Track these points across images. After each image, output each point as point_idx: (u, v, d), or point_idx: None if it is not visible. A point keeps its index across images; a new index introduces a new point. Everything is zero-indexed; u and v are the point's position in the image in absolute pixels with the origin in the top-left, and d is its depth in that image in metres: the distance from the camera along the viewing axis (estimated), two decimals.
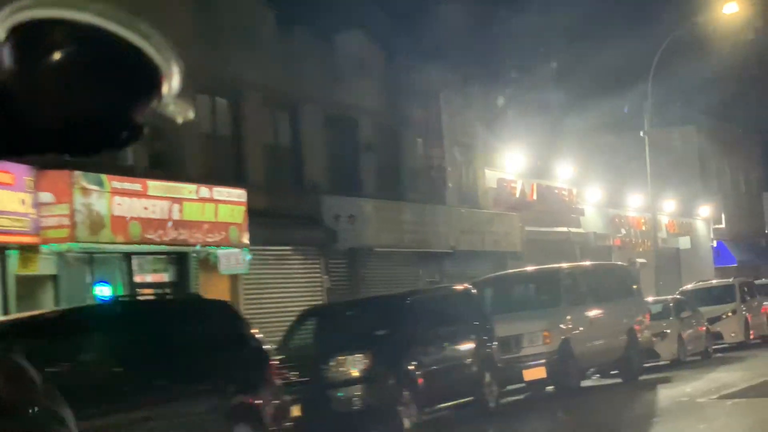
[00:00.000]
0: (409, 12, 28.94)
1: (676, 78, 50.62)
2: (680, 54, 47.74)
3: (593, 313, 17.94)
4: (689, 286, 29.90)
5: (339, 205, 25.00)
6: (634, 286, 20.89)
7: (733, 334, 27.38)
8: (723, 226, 55.04)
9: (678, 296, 26.17)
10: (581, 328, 17.37)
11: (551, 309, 16.92)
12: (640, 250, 44.63)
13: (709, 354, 25.11)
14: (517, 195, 33.86)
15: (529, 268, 20.03)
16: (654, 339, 21.99)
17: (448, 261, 28.67)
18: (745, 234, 58.40)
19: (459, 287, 16.00)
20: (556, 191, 36.98)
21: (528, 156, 34.46)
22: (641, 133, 33.75)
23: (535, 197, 35.09)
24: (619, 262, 20.99)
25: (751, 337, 28.20)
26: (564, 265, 19.21)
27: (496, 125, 33.18)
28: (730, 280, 29.49)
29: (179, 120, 1.77)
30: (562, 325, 16.84)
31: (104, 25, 1.61)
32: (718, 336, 27.00)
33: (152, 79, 1.67)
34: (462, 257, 28.83)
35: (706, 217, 53.21)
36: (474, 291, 15.81)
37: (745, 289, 29.46)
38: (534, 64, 34.81)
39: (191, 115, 1.79)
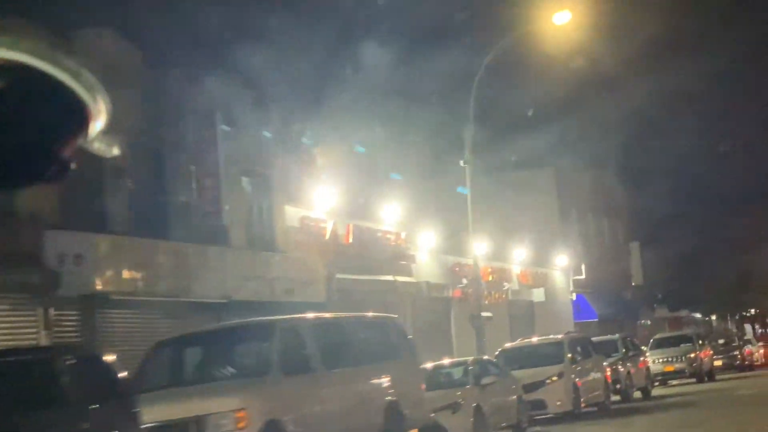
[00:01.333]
0: (178, 10, 24.24)
1: (530, 118, 47.01)
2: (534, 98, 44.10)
3: (326, 382, 13.08)
4: (512, 344, 25.40)
5: (67, 242, 19.95)
6: (411, 349, 16.05)
7: (558, 403, 22.90)
8: (583, 277, 51.18)
9: (482, 358, 21.61)
10: (303, 405, 12.50)
11: (254, 379, 12.07)
12: (486, 302, 40.29)
13: (521, 429, 20.59)
14: (327, 236, 29.19)
15: (231, 323, 15.06)
16: (440, 413, 17.37)
17: (225, 313, 23.69)
18: (608, 286, 54.73)
19: (62, 350, 11.03)
20: (380, 234, 32.43)
21: (344, 193, 29.88)
22: (461, 163, 29.35)
23: (351, 240, 30.48)
24: (389, 315, 16.22)
25: (582, 406, 23.78)
26: (281, 317, 14.32)
27: (302, 155, 28.55)
28: (559, 336, 25.09)
29: (106, 156, 1.90)
30: (268, 401, 11.95)
31: (32, 62, 1.66)
32: (541, 405, 22.51)
33: (80, 115, 1.77)
34: (245, 309, 23.86)
35: (565, 267, 49.30)
36: (103, 357, 10.81)
37: (578, 348, 25.12)
38: (349, 83, 30.34)
39: (117, 152, 1.90)
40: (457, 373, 19.78)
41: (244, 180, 26.26)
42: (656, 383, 37.59)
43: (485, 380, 19.14)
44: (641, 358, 32.20)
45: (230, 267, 24.10)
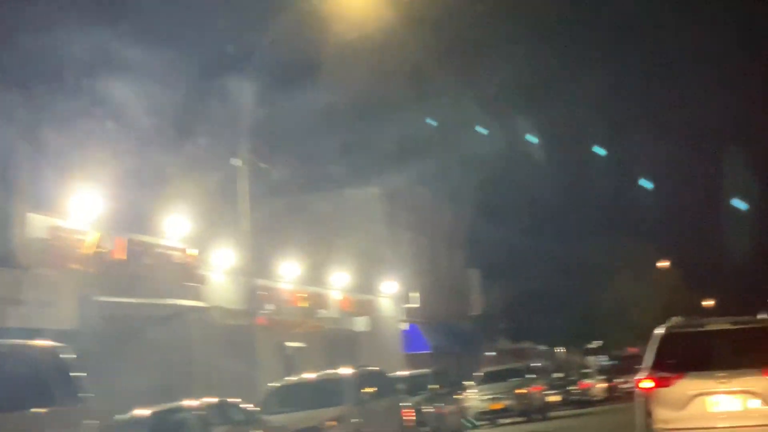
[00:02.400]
0: None
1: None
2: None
3: None
4: (284, 381, 21.04)
5: None
6: (73, 392, 11.39)
7: None
8: (417, 305, 47.49)
9: (222, 400, 17.28)
10: None
11: None
12: (299, 331, 36.15)
13: None
14: (90, 251, 24.56)
15: None
16: None
17: None
18: (444, 316, 51.21)
19: None
20: (162, 251, 27.95)
21: (116, 202, 25.38)
22: (235, 161, 25.17)
23: (123, 256, 25.92)
24: (42, 343, 11.80)
25: None
26: None
27: (52, 152, 23.92)
28: (343, 372, 20.96)
29: None
30: None
31: None
32: None
33: None
34: None
35: (395, 295, 45.48)
36: None
37: (370, 384, 21.00)
38: (113, 67, 25.89)
39: None
40: (190, 421, 15.46)
41: None
42: (482, 423, 33.99)
43: (219, 430, 14.85)
44: (458, 396, 28.41)
45: None
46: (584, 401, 44.08)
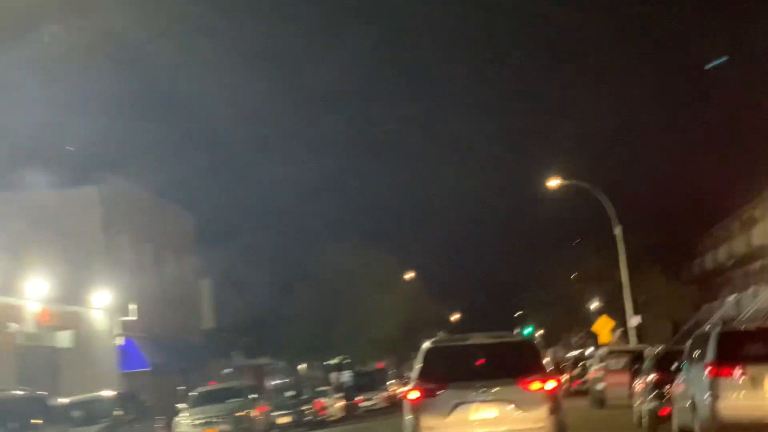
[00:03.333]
0: None
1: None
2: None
3: None
4: None
5: None
6: None
7: None
8: (135, 318, 42.54)
9: None
10: None
11: None
12: None
13: None
14: None
15: None
16: None
17: None
18: (170, 330, 46.48)
19: None
20: None
21: None
22: None
23: None
24: None
25: None
26: None
27: None
28: None
29: None
30: None
31: None
32: None
33: None
34: None
35: (109, 307, 40.39)
36: None
37: (22, 414, 16.34)
38: None
39: None
40: None
41: None
42: None
43: None
44: (156, 423, 23.97)
45: None
46: (318, 422, 40.46)
